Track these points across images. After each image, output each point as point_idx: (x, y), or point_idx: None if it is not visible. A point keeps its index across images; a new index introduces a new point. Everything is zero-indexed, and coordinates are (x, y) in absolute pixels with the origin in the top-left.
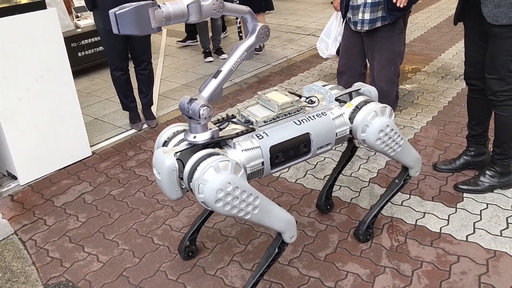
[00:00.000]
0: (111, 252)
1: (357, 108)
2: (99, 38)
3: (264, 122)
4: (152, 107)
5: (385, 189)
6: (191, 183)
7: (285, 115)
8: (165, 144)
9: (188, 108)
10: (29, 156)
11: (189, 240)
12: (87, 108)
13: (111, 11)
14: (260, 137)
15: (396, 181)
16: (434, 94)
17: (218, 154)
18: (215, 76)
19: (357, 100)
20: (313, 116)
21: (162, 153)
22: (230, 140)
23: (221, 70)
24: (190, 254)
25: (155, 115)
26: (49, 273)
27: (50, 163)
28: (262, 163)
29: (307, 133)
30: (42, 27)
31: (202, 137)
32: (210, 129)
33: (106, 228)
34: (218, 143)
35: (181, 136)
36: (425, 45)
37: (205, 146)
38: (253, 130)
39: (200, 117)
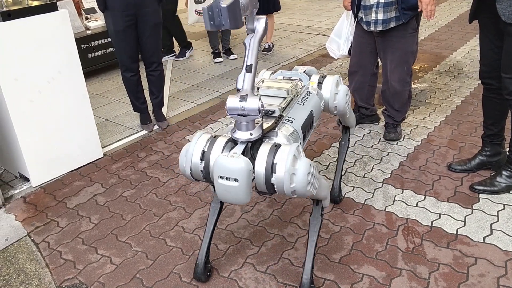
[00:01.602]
0: (124, 254)
1: (320, 83)
2: (109, 39)
3: (283, 108)
4: (162, 108)
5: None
6: (274, 177)
7: (291, 98)
8: (204, 154)
9: (243, 106)
10: (41, 158)
11: (205, 263)
12: (97, 109)
13: (205, 7)
14: (290, 121)
15: None
16: (447, 93)
17: (280, 144)
18: (248, 70)
19: (315, 78)
20: (306, 96)
21: (231, 158)
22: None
23: (251, 64)
24: (209, 273)
25: (165, 116)
26: (62, 275)
27: (62, 165)
28: (300, 143)
29: (311, 110)
30: (54, 29)
31: (257, 132)
32: (257, 123)
33: (118, 230)
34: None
35: (222, 140)
36: (436, 43)
37: (255, 141)
38: (281, 116)
39: (260, 111)
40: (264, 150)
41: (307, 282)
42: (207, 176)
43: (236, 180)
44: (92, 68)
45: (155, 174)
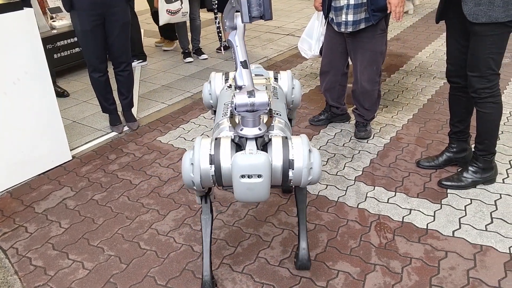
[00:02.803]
0: (96, 258)
1: (276, 79)
2: (75, 39)
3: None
4: (132, 109)
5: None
6: (291, 173)
7: (272, 94)
8: (212, 158)
9: (253, 101)
10: (7, 162)
11: (211, 277)
12: (65, 111)
13: None
14: (279, 114)
15: None
16: (413, 92)
17: (286, 136)
18: (244, 66)
19: (270, 74)
20: (275, 91)
21: (251, 155)
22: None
23: (245, 59)
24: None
25: (136, 117)
26: (33, 282)
27: (29, 168)
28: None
29: (284, 103)
30: (19, 28)
31: (264, 127)
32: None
33: (90, 234)
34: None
35: (227, 140)
36: (401, 44)
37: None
38: (271, 110)
39: (269, 104)
40: (277, 144)
41: (306, 253)
42: (218, 180)
43: (259, 176)
44: (58, 69)
45: (127, 177)
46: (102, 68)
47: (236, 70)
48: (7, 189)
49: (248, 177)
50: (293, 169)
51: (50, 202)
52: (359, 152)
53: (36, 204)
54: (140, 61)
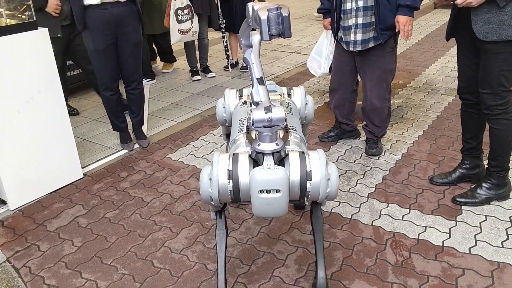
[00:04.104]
0: (110, 277)
1: (289, 95)
2: None
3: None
4: (142, 127)
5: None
6: (309, 184)
7: (286, 109)
8: (231, 172)
9: (270, 116)
10: (20, 180)
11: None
12: (75, 129)
13: (263, 17)
14: (294, 129)
15: None
16: (423, 108)
17: (303, 151)
18: (261, 83)
19: (282, 90)
20: (289, 106)
21: (269, 170)
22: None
23: (261, 76)
24: None
25: (146, 134)
26: None
27: (40, 187)
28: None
29: (299, 119)
30: (34, 47)
31: (281, 142)
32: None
33: (103, 252)
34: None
35: (245, 156)
36: (408, 61)
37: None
38: (287, 126)
39: (285, 120)
40: (295, 159)
41: (324, 282)
42: (236, 195)
43: (278, 191)
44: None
45: (138, 194)
46: (113, 86)
47: (252, 87)
48: (19, 207)
49: (267, 192)
50: (311, 181)
51: (62, 220)
52: (370, 169)
53: (48, 223)
54: (149, 79)
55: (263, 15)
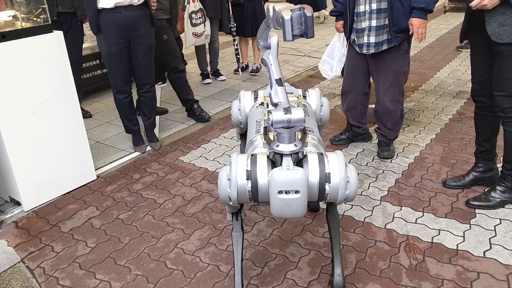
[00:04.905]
0: (123, 278)
1: (304, 97)
2: (97, 61)
3: None
4: (154, 129)
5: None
6: (328, 186)
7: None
8: (249, 172)
9: (289, 117)
10: (34, 181)
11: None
12: (88, 131)
13: (287, 17)
14: (311, 131)
15: None
16: (434, 111)
17: (322, 153)
18: (280, 84)
19: (298, 92)
20: (305, 108)
21: (288, 170)
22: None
23: (280, 77)
24: None
25: (158, 137)
26: None
27: (54, 188)
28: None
29: (315, 120)
30: (48, 50)
31: (299, 143)
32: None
33: (116, 253)
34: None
35: (263, 157)
36: (419, 64)
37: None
38: (304, 127)
39: (304, 121)
40: (313, 160)
41: (341, 280)
42: (255, 195)
43: (297, 192)
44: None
45: (151, 196)
46: (126, 89)
47: (271, 88)
48: (33, 208)
49: (286, 193)
50: (329, 183)
51: (76, 222)
52: (383, 172)
53: (62, 224)
54: (160, 83)
55: (287, 15)
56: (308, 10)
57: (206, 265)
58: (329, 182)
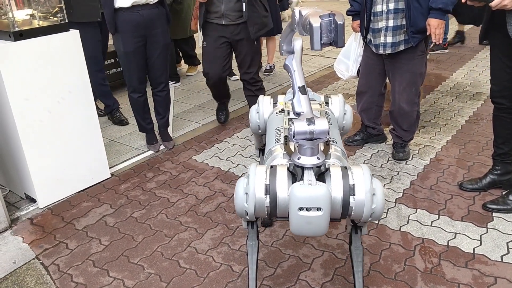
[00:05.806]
0: (137, 276)
1: (327, 103)
2: (111, 61)
3: None
4: (168, 129)
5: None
6: (353, 200)
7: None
8: (268, 186)
9: (313, 129)
10: (49, 179)
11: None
12: (102, 130)
13: (316, 24)
14: (334, 141)
15: None
16: (451, 113)
17: (345, 166)
18: (303, 92)
19: (321, 98)
20: (328, 116)
21: (310, 186)
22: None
23: (303, 85)
24: None
25: (171, 136)
26: None
27: (69, 186)
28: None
29: (338, 129)
30: (65, 49)
31: (322, 156)
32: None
33: (130, 252)
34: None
35: (283, 169)
36: (435, 65)
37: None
38: (328, 138)
39: (329, 133)
40: (337, 174)
41: None
42: (273, 211)
43: (319, 209)
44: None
45: (164, 195)
46: (141, 88)
47: (293, 96)
48: (48, 205)
49: (307, 209)
50: (354, 195)
51: (90, 219)
52: (398, 174)
53: (77, 221)
54: (174, 82)
55: (315, 23)
56: (339, 17)
57: (219, 265)
58: (354, 195)
